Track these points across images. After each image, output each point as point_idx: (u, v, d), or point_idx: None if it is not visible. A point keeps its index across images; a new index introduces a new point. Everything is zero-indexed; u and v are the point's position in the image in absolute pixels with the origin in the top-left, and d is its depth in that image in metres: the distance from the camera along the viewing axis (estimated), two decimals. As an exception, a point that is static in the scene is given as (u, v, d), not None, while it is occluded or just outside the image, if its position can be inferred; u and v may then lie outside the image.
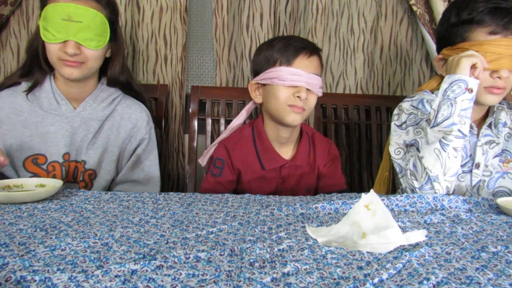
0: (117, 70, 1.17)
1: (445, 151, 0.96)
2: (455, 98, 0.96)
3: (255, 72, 1.15)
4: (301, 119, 1.10)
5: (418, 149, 1.02)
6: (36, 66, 1.10)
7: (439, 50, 1.13)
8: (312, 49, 1.09)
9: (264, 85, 1.12)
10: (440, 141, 0.96)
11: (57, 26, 1.01)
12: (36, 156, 1.08)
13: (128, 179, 1.19)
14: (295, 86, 1.06)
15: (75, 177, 1.12)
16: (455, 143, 0.96)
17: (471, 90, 0.97)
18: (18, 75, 1.12)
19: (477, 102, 1.04)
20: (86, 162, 1.11)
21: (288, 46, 1.07)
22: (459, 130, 0.95)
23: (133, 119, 1.18)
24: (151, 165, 1.21)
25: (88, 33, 1.03)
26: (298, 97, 1.05)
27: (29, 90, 1.10)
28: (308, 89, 1.06)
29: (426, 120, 1.04)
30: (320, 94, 1.11)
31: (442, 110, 0.97)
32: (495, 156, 1.10)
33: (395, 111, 1.16)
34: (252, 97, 1.17)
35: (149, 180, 1.20)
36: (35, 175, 1.07)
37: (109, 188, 1.19)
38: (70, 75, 1.05)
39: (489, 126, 1.12)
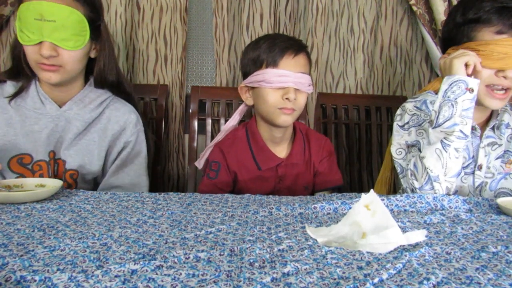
0: (103, 71, 1.10)
1: (446, 152, 0.96)
2: (456, 99, 0.96)
3: (244, 74, 1.15)
4: (292, 119, 1.10)
5: (419, 150, 1.02)
6: (21, 71, 1.06)
7: (444, 50, 1.12)
8: (298, 48, 1.08)
9: (253, 87, 1.12)
10: (441, 141, 0.96)
11: (30, 27, 0.95)
12: (21, 156, 1.03)
13: (111, 185, 1.10)
14: (283, 88, 1.06)
15: (59, 176, 1.07)
16: (456, 143, 0.96)
17: (472, 90, 0.96)
18: (5, 77, 1.08)
19: (481, 105, 1.03)
20: (66, 162, 1.06)
21: (273, 47, 1.06)
22: (461, 131, 0.95)
23: (120, 122, 1.12)
24: (138, 169, 1.13)
25: (63, 32, 0.96)
26: (287, 98, 1.05)
27: (13, 96, 1.05)
28: (296, 89, 1.06)
29: (428, 121, 1.04)
30: (310, 92, 1.11)
31: (443, 112, 0.97)
32: (497, 158, 1.10)
33: (398, 111, 1.16)
34: (243, 99, 1.17)
35: (135, 186, 1.12)
36: (21, 175, 1.03)
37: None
38: (49, 79, 1.00)
39: (492, 128, 1.12)
